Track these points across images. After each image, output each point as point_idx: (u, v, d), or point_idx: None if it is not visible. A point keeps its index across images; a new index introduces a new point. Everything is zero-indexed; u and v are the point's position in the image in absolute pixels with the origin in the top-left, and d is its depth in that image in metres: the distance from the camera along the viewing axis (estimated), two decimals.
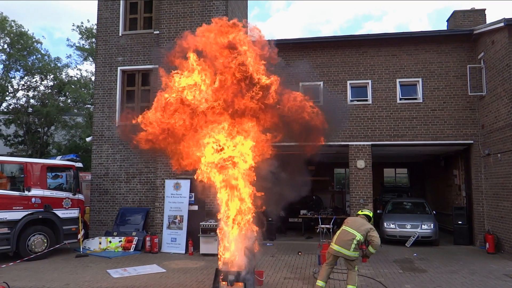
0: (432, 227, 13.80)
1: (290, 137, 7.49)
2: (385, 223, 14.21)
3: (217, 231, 7.80)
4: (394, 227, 14.05)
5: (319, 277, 7.82)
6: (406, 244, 13.07)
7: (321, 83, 14.36)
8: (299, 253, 12.09)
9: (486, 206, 13.37)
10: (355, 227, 7.52)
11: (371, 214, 8.04)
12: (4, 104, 27.76)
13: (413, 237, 13.14)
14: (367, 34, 15.54)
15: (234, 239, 7.29)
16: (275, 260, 11.34)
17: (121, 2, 15.72)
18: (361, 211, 8.17)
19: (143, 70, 15.31)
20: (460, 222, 14.10)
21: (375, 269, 10.18)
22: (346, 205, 18.99)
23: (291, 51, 14.44)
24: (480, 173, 13.58)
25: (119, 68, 15.39)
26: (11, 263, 10.73)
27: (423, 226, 13.80)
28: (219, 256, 7.59)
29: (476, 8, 15.14)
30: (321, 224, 11.86)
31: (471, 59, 13.84)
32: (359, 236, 7.39)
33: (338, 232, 7.74)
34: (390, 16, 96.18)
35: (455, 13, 15.26)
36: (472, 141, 13.69)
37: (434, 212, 15.16)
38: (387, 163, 23.29)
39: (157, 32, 14.92)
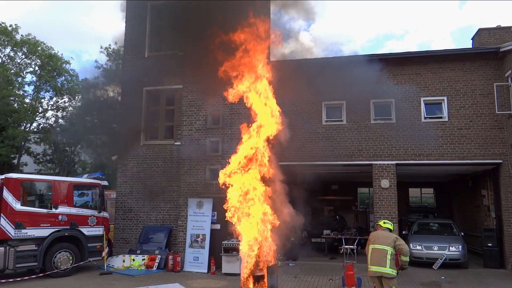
0: (460, 249, 13.37)
1: None
2: (411, 245, 13.82)
3: (239, 250, 7.78)
4: (421, 248, 13.69)
5: None
6: (433, 267, 12.69)
7: (344, 102, 14.32)
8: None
9: None
10: (383, 242, 7.54)
11: (391, 227, 8.06)
12: (35, 124, 28.65)
13: (441, 259, 12.74)
14: (390, 53, 15.43)
15: (257, 259, 7.24)
16: (298, 281, 11.18)
17: (147, 25, 16.20)
18: (383, 223, 8.07)
19: (167, 91, 15.66)
20: (490, 244, 13.64)
21: None
22: (370, 225, 18.63)
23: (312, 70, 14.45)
24: (510, 193, 13.13)
25: (144, 88, 15.76)
26: (33, 276, 11.01)
27: (451, 248, 13.39)
28: (241, 276, 7.54)
29: (502, 25, 14.92)
30: (345, 245, 11.66)
31: (498, 77, 13.57)
32: (389, 249, 7.41)
33: (369, 253, 7.69)
34: (412, 35, 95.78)
35: (480, 31, 15.05)
36: (501, 161, 13.31)
37: (462, 233, 14.72)
38: (412, 183, 22.77)
39: (182, 53, 15.25)
